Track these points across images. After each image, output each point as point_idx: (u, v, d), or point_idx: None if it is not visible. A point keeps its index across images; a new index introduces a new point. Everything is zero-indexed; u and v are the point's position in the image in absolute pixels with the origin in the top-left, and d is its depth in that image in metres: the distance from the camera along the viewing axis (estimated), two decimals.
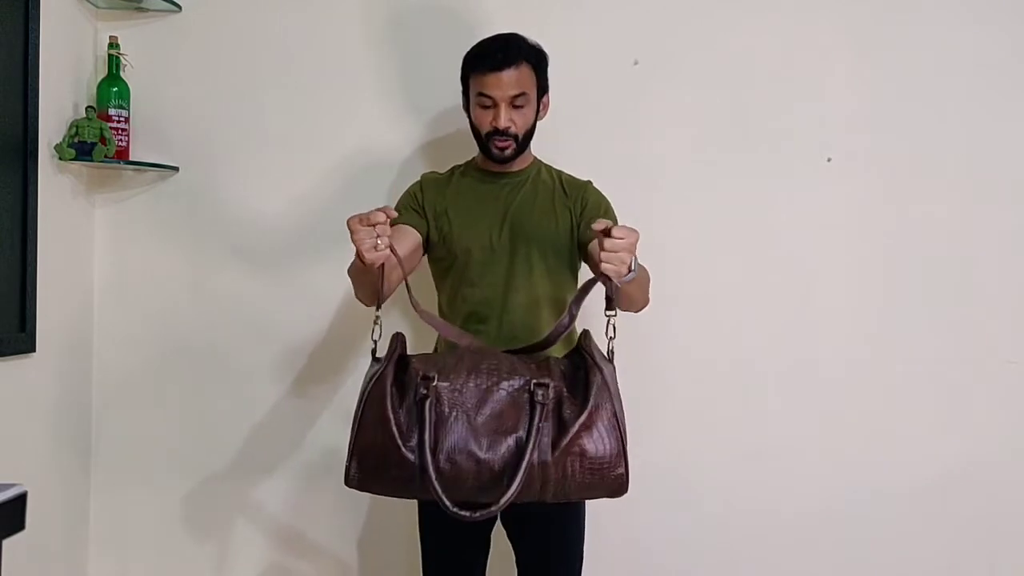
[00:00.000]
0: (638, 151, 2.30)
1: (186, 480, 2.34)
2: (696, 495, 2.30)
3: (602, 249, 1.50)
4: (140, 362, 2.33)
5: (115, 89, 2.22)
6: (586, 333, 1.63)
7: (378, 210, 1.54)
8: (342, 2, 2.31)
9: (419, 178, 2.02)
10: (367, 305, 1.84)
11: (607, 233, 1.50)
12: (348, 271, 1.79)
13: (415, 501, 1.91)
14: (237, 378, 2.33)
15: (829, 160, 2.29)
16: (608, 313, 1.58)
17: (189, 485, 2.34)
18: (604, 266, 1.51)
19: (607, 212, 1.94)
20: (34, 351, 2.04)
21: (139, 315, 2.32)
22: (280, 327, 2.32)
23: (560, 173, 2.00)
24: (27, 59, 1.99)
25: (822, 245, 2.30)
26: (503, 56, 1.84)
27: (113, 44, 2.22)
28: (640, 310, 1.78)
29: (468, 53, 1.91)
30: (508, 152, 1.88)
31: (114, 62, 2.23)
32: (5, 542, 1.14)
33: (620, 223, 1.89)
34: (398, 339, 1.60)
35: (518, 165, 1.95)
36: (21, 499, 1.17)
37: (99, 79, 2.24)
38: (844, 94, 2.29)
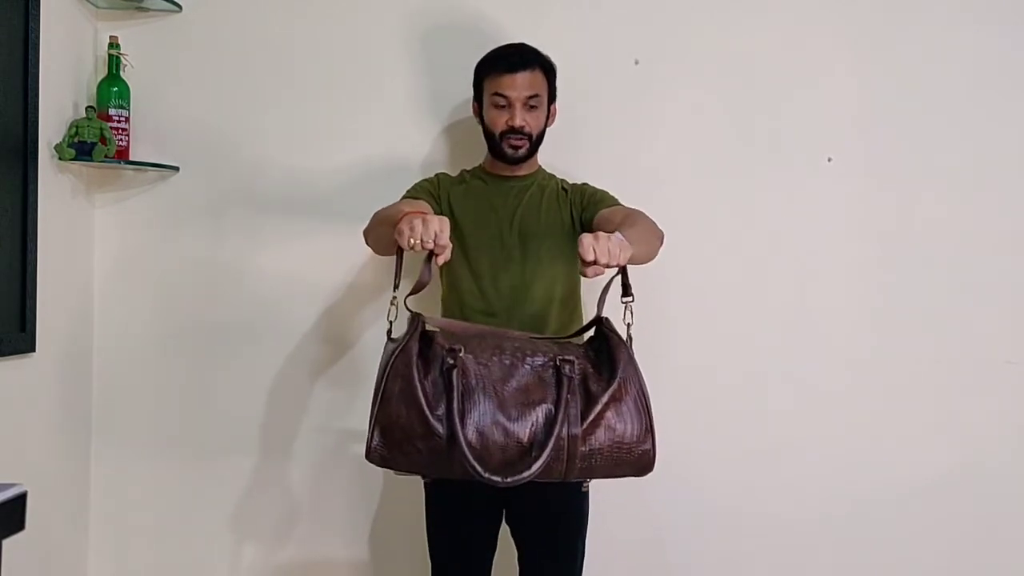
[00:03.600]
0: (639, 151, 2.30)
1: (187, 480, 2.33)
2: (696, 494, 2.30)
3: (587, 264, 1.47)
4: (140, 362, 2.33)
5: (115, 89, 2.22)
6: (606, 319, 1.64)
7: (438, 230, 1.48)
8: (342, 2, 2.31)
9: (434, 174, 2.05)
10: (379, 254, 1.85)
11: (585, 262, 1.47)
12: (374, 218, 1.76)
13: (423, 497, 1.92)
14: (237, 378, 2.33)
15: (829, 160, 2.29)
16: (624, 300, 1.59)
17: (190, 485, 2.33)
18: (593, 268, 1.48)
19: (607, 195, 1.96)
20: (34, 351, 2.04)
21: (139, 315, 2.32)
22: (280, 327, 2.32)
23: (562, 180, 2.05)
24: (27, 59, 1.98)
25: (822, 245, 2.30)
26: (519, 59, 1.92)
27: (113, 44, 2.22)
28: (655, 256, 1.75)
29: (483, 58, 1.97)
30: (522, 152, 1.94)
31: (114, 62, 2.22)
32: (5, 542, 1.14)
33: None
34: (419, 318, 1.59)
35: (525, 170, 2.01)
36: (21, 499, 1.17)
37: (99, 79, 2.24)
38: (844, 94, 2.29)
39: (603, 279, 1.59)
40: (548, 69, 1.97)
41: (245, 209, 2.32)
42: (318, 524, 2.34)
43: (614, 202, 1.94)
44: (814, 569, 2.31)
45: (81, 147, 2.12)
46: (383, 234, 1.69)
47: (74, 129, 2.12)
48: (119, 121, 2.22)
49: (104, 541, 2.33)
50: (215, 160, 2.31)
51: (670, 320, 2.26)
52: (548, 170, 2.06)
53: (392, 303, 1.62)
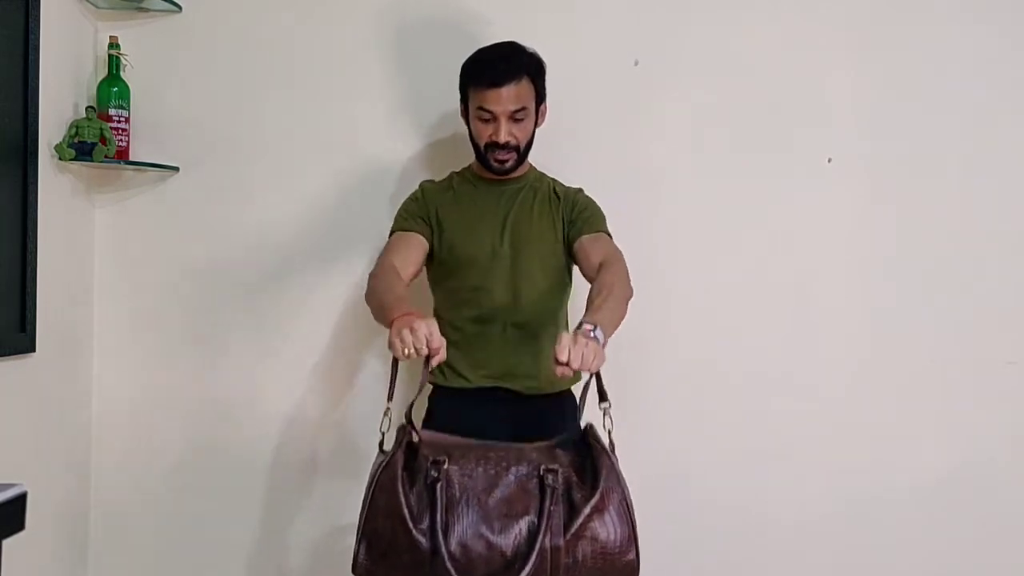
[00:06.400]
0: (638, 151, 2.30)
1: (186, 480, 2.33)
2: (696, 495, 2.30)
3: (559, 364, 1.49)
4: (140, 362, 2.32)
5: (115, 89, 2.22)
6: (590, 426, 1.63)
7: (427, 334, 1.51)
8: (342, 3, 2.31)
9: (418, 186, 2.03)
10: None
11: (558, 361, 1.49)
12: (370, 290, 1.77)
13: None
14: (237, 377, 2.33)
15: (829, 160, 2.29)
16: (603, 406, 1.58)
17: (189, 485, 2.33)
18: (562, 369, 1.49)
19: (594, 214, 1.95)
20: (34, 351, 2.04)
21: (139, 315, 2.32)
22: (281, 327, 2.32)
23: (554, 181, 2.02)
24: (27, 59, 1.98)
25: (822, 245, 2.30)
26: (504, 70, 1.85)
27: (113, 44, 2.22)
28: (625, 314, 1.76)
29: (466, 63, 1.92)
30: (508, 164, 1.91)
31: (114, 62, 2.22)
32: (5, 542, 1.14)
33: (610, 231, 1.93)
34: (405, 430, 1.60)
35: (516, 173, 1.96)
36: (21, 499, 1.17)
37: (99, 79, 2.24)
38: (844, 94, 2.29)
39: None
40: (535, 74, 1.90)
41: (245, 209, 2.32)
42: (316, 524, 2.34)
43: (598, 227, 1.91)
44: (814, 569, 2.31)
45: (81, 147, 2.12)
46: (380, 317, 1.71)
47: (74, 129, 2.12)
48: (119, 121, 2.22)
49: (104, 541, 2.33)
50: (215, 160, 2.31)
51: (670, 321, 2.26)
52: (545, 170, 2.04)
53: (386, 414, 1.62)
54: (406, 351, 1.51)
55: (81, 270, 2.27)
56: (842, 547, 2.31)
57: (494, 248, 1.91)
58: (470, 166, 2.03)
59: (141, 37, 2.28)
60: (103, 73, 2.24)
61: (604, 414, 1.58)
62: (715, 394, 2.30)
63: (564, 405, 1.91)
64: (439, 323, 1.94)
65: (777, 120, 2.29)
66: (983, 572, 2.29)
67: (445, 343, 1.55)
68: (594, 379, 1.58)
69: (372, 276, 1.82)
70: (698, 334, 2.30)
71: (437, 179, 2.07)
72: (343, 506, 2.24)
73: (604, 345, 1.56)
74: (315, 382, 2.33)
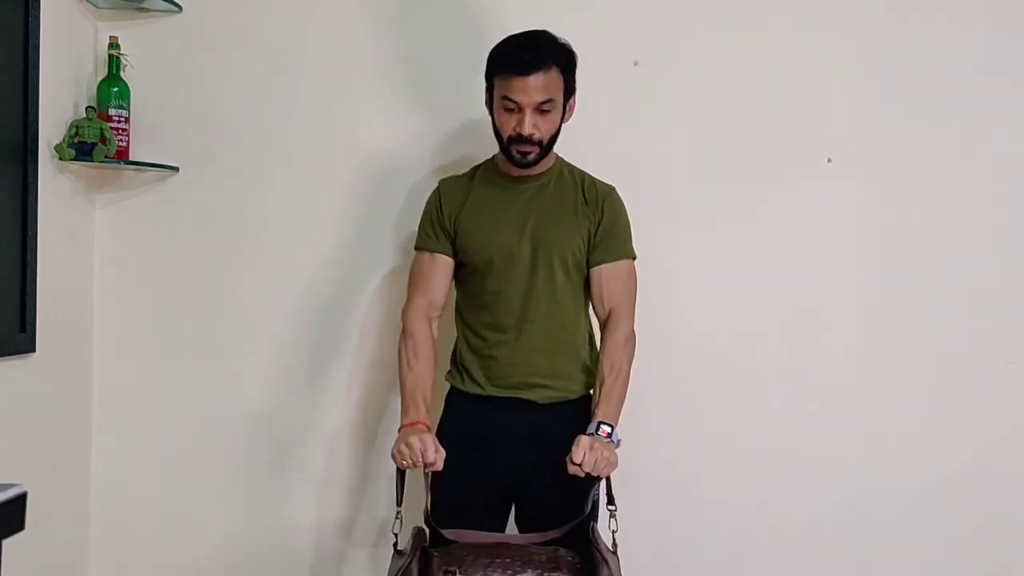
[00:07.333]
0: (638, 152, 2.29)
1: (186, 480, 2.33)
2: (696, 497, 2.30)
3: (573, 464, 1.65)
4: (139, 362, 2.32)
5: (115, 89, 2.22)
6: (593, 528, 1.69)
7: (421, 450, 1.67)
8: (343, 2, 2.30)
9: (437, 185, 2.00)
10: None
11: (572, 462, 1.65)
12: (400, 358, 1.88)
13: None
14: (236, 379, 2.33)
15: (829, 160, 2.29)
16: (610, 508, 1.70)
17: (189, 485, 2.33)
18: (575, 469, 1.65)
19: (620, 230, 1.92)
20: (34, 351, 2.04)
21: (139, 315, 2.32)
22: (280, 328, 2.32)
23: (584, 176, 1.96)
24: (27, 59, 1.98)
25: (822, 245, 2.30)
26: (531, 59, 1.77)
27: (113, 44, 2.22)
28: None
29: (494, 51, 1.85)
30: (531, 157, 1.84)
31: (114, 62, 2.22)
32: (5, 542, 1.14)
33: (626, 243, 1.93)
34: (420, 536, 1.67)
35: (540, 168, 1.90)
36: (21, 499, 1.17)
37: (99, 79, 2.24)
38: (844, 94, 2.29)
39: None
40: (565, 65, 1.83)
41: (245, 209, 2.32)
42: (315, 523, 2.34)
43: (621, 252, 1.91)
44: (814, 569, 2.31)
45: (81, 147, 2.12)
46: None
47: (74, 129, 2.12)
48: (119, 121, 2.21)
49: (104, 541, 2.33)
50: (215, 160, 2.31)
51: (670, 321, 2.26)
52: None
53: (397, 516, 1.73)
54: (404, 463, 1.69)
55: (81, 270, 2.27)
56: (842, 547, 2.31)
57: (511, 252, 1.86)
58: (493, 158, 1.96)
59: (141, 37, 2.28)
60: (103, 73, 2.24)
61: (611, 516, 1.70)
62: (715, 394, 2.30)
63: (580, 413, 1.85)
64: (459, 325, 1.96)
65: (777, 120, 2.29)
66: (983, 572, 2.29)
67: (443, 455, 1.69)
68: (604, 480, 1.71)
69: (404, 321, 1.90)
70: (698, 334, 2.30)
71: (449, 175, 2.04)
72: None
73: (618, 446, 1.73)
74: (321, 378, 2.33)
